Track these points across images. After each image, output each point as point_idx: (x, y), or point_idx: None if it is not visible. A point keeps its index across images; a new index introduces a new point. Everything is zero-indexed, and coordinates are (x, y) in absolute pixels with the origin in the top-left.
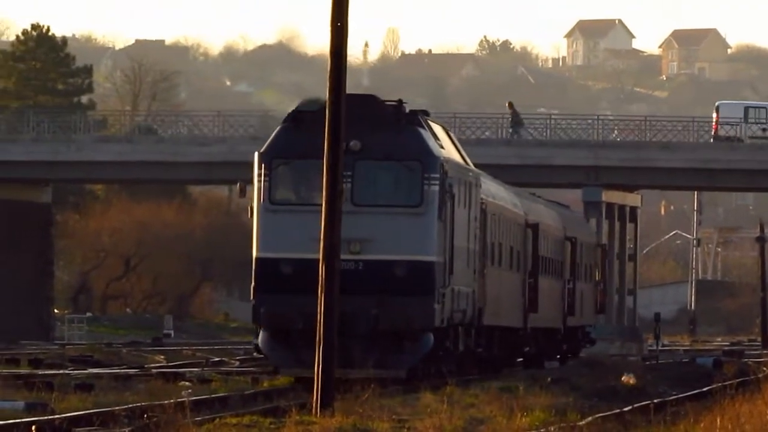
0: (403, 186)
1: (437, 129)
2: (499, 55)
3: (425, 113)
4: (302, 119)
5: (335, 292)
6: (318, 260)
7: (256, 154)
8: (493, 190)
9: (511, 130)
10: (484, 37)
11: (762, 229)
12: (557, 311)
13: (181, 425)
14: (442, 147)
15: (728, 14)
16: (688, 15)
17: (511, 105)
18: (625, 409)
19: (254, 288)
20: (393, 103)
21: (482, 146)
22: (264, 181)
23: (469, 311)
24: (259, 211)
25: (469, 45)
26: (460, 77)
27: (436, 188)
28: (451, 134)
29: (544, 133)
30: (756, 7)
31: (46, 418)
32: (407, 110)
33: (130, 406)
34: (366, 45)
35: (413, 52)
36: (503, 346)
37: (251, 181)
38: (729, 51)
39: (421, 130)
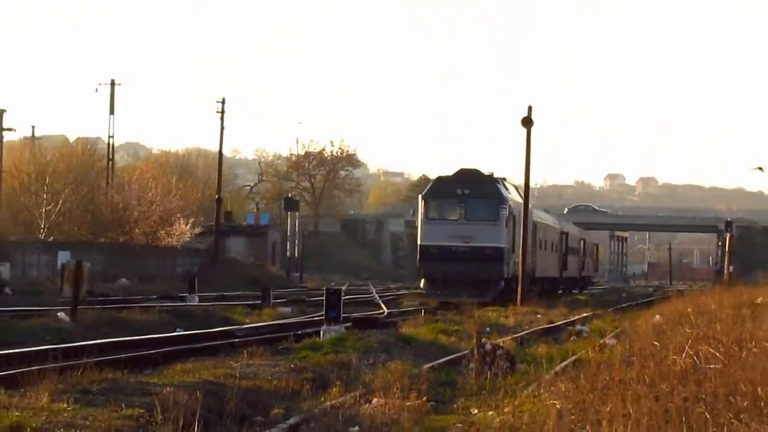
0: (489, 211)
1: (509, 186)
2: None
3: (504, 179)
4: (441, 180)
5: (524, 275)
6: (447, 246)
7: (420, 195)
8: (542, 215)
9: None
10: None
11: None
12: (576, 269)
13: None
14: (509, 193)
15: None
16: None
17: None
18: (623, 305)
19: (419, 259)
20: (488, 173)
21: None
22: (424, 208)
23: (526, 270)
24: (422, 223)
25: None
26: None
27: (505, 212)
28: (519, 189)
29: None
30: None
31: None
32: (494, 176)
33: (403, 309)
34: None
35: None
36: (549, 286)
37: (418, 208)
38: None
39: (499, 186)
